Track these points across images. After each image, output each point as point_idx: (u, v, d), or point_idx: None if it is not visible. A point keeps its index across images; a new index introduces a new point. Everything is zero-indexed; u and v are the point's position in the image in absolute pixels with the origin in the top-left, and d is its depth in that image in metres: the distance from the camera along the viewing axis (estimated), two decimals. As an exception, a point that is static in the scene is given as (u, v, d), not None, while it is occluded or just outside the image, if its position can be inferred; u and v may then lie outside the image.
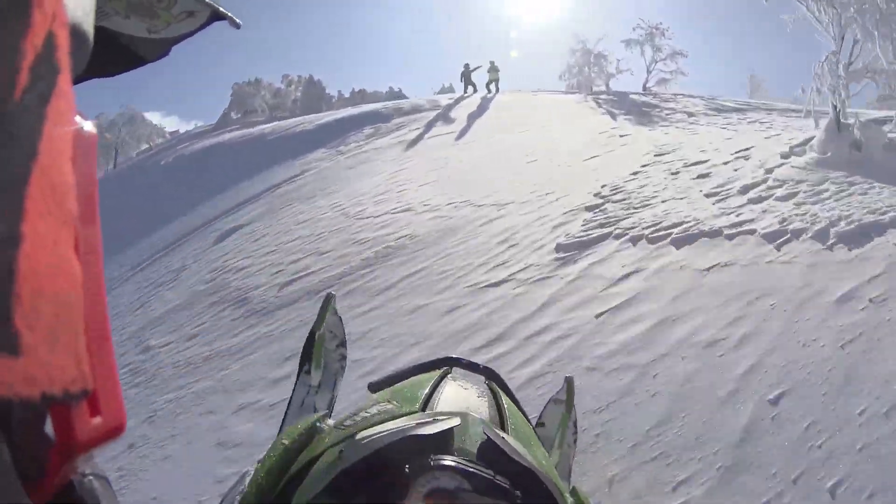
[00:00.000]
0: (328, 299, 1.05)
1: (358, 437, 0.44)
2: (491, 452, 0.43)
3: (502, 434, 0.48)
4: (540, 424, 1.25)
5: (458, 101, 16.73)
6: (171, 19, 0.45)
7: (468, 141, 10.23)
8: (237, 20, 0.48)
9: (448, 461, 0.40)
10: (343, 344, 1.06)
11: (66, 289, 0.18)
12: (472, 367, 0.91)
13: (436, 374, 0.68)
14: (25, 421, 0.20)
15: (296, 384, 0.98)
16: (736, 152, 6.06)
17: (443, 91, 34.42)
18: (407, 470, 0.39)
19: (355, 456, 0.41)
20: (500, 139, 9.74)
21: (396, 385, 0.69)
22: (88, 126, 0.21)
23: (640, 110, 11.46)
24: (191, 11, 0.45)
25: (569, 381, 1.25)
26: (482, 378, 0.86)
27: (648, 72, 19.60)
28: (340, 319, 1.08)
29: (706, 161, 5.91)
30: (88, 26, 0.24)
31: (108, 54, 0.44)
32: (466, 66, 18.70)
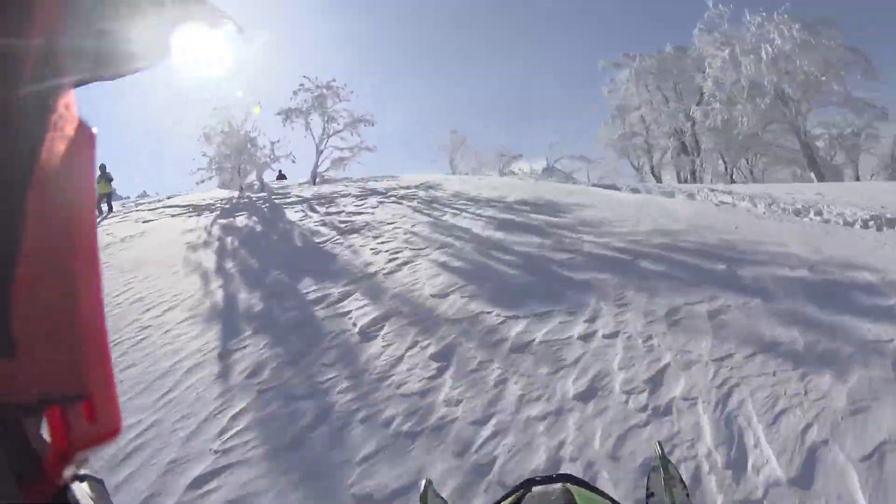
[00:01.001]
0: (426, 487, 1.06)
1: None
2: None
3: None
4: (651, 495, 1.30)
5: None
6: (172, 23, 0.42)
7: None
8: (239, 24, 0.45)
9: None
10: None
11: (64, 293, 0.18)
12: (547, 479, 0.83)
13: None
14: (22, 422, 0.19)
15: None
16: None
17: (142, 196, 24.65)
18: None
19: None
20: None
21: None
22: (88, 130, 0.21)
23: (323, 261, 4.64)
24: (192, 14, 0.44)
25: (659, 445, 1.29)
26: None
27: (319, 153, 13.46)
28: (445, 501, 1.11)
29: None
30: (90, 30, 0.23)
31: (109, 57, 0.37)
32: None
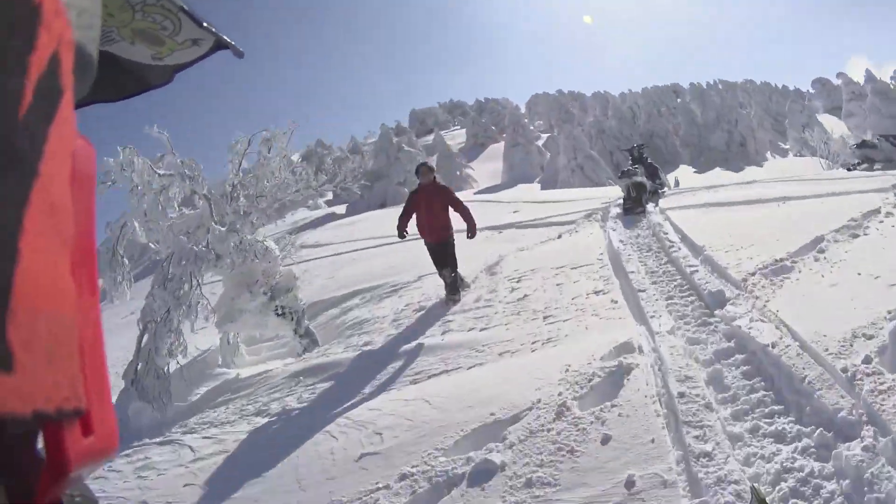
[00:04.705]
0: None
1: None
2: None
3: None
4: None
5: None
6: (175, 46, 0.47)
7: None
8: (240, 49, 0.52)
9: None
10: None
11: (61, 307, 0.18)
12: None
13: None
14: (16, 438, 0.19)
15: None
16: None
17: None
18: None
19: None
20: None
21: None
22: (89, 148, 0.21)
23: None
24: (195, 39, 0.48)
25: (753, 490, 1.23)
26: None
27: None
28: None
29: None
30: (93, 50, 0.23)
31: (113, 79, 0.44)
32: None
